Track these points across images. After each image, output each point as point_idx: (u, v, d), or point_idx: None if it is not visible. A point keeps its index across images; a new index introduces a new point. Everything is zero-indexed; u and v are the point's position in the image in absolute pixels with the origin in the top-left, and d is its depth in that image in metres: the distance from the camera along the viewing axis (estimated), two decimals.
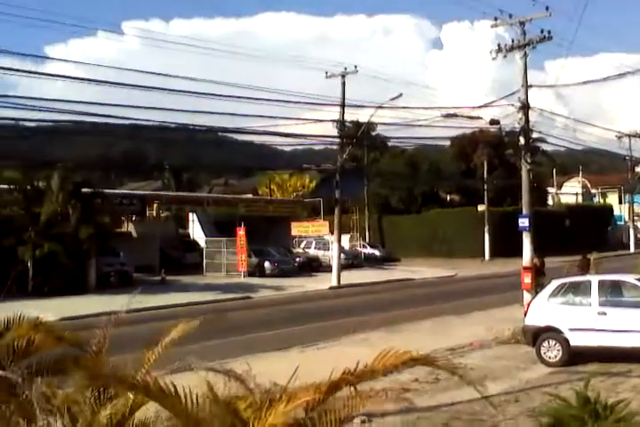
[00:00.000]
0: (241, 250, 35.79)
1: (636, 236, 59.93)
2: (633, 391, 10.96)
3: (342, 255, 36.39)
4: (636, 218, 63.26)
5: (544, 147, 45.77)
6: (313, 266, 40.27)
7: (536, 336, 14.23)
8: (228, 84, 28.85)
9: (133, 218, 42.32)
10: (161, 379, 4.63)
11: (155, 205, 45.03)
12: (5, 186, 30.65)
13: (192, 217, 45.06)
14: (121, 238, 35.65)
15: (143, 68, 26.76)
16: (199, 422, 4.45)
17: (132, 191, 48.89)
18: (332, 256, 35.23)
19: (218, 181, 74.02)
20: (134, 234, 41.36)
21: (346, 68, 33.64)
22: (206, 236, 41.18)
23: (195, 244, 41.77)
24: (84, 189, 30.77)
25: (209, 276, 36.41)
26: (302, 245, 45.31)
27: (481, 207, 52.42)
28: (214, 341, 15.49)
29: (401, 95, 32.28)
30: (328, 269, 36.20)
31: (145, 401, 4.82)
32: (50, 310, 18.99)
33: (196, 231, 44.04)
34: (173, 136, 43.85)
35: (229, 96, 27.69)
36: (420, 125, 32.63)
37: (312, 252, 43.95)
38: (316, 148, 60.26)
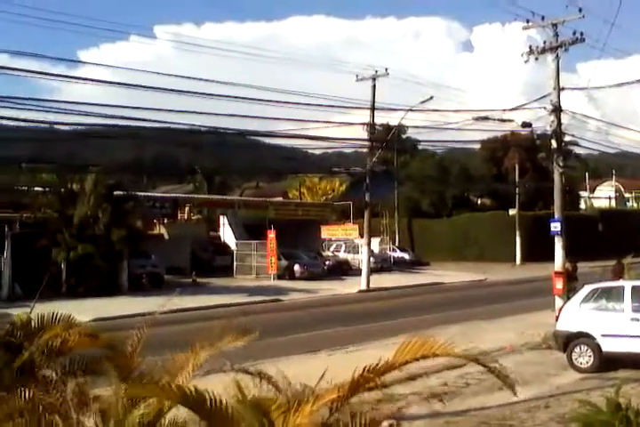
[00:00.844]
0: (271, 253, 35.94)
1: None
2: None
3: (372, 259, 36.34)
4: None
5: (576, 150, 45.19)
6: (342, 269, 40.26)
7: (567, 342, 14.12)
8: (257, 88, 28.88)
9: (165, 221, 42.74)
10: (194, 380, 4.71)
11: (186, 208, 45.44)
12: (40, 188, 31.20)
13: (223, 220, 45.33)
14: (153, 241, 36.00)
15: (174, 72, 27.10)
16: (226, 423, 4.51)
17: (163, 194, 49.32)
18: (362, 260, 35.20)
19: (249, 184, 74.34)
20: (166, 236, 41.75)
21: (376, 71, 33.59)
22: (237, 238, 41.41)
23: (225, 246, 42.05)
24: (117, 192, 31.19)
25: (239, 278, 36.64)
26: (332, 249, 45.36)
27: (512, 211, 52.01)
28: (241, 340, 15.50)
29: (432, 98, 32.17)
30: (357, 272, 36.17)
31: (174, 403, 4.90)
32: (83, 311, 19.20)
33: (226, 234, 44.31)
34: (204, 139, 44.16)
35: (259, 100, 27.86)
36: (450, 128, 32.51)
37: (341, 255, 43.97)
38: (346, 151, 60.43)
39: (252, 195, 61.87)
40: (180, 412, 5.07)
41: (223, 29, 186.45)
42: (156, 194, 48.98)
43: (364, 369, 4.62)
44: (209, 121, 31.67)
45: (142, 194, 38.00)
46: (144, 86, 26.14)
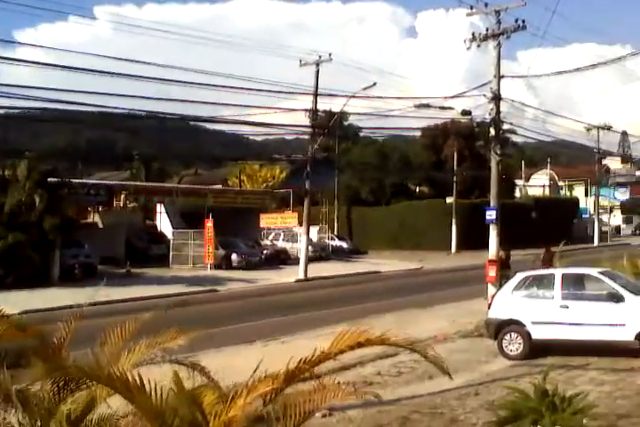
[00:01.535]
0: (208, 242, 35.54)
1: (600, 229, 60.75)
2: (591, 384, 11.12)
3: (310, 248, 36.32)
4: (601, 211, 64.16)
5: (514, 138, 46.11)
6: (281, 258, 40.16)
7: (498, 329, 14.32)
8: (199, 72, 28.37)
9: (100, 209, 41.80)
10: (130, 371, 4.58)
11: (122, 196, 44.49)
12: None
13: (160, 208, 44.62)
14: (86, 229, 35.22)
15: (114, 54, 26.36)
16: (161, 415, 4.42)
17: (99, 181, 48.24)
18: (300, 248, 35.15)
19: (188, 171, 73.38)
20: (100, 225, 40.87)
21: (320, 57, 33.28)
22: (173, 227, 40.82)
23: (161, 235, 41.41)
24: (51, 179, 30.29)
25: (175, 268, 36.14)
26: (270, 237, 45.14)
27: (449, 199, 52.63)
28: (183, 337, 15.30)
29: (374, 84, 32.14)
30: (296, 261, 36.08)
31: (107, 395, 4.77)
32: (11, 302, 18.66)
33: (163, 223, 43.65)
34: (143, 124, 43.26)
35: (201, 84, 27.42)
36: (392, 115, 32.65)
37: (280, 244, 43.80)
38: (288, 138, 60.17)
39: (191, 182, 61.11)
40: (113, 406, 4.96)
41: (165, 11, 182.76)
42: (91, 181, 47.85)
43: (299, 360, 4.58)
44: (149, 105, 31.04)
45: (77, 181, 37.10)
46: (81, 69, 25.44)
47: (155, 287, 27.56)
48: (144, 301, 23.44)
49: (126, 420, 5.19)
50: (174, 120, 33.94)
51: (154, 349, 5.59)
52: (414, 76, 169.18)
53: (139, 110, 28.60)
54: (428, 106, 28.99)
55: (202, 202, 41.18)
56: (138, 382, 4.33)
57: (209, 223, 35.52)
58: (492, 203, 22.01)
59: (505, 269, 20.89)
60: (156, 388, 4.38)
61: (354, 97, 32.45)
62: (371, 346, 4.93)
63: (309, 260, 34.36)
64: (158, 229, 43.74)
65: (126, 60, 26.35)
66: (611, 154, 66.54)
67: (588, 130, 54.97)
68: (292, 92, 31.64)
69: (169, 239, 39.20)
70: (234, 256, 36.64)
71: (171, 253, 37.68)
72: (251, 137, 58.36)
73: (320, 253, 42.67)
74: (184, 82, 26.99)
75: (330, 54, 33.27)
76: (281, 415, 4.51)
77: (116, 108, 27.23)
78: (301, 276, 32.91)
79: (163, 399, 4.48)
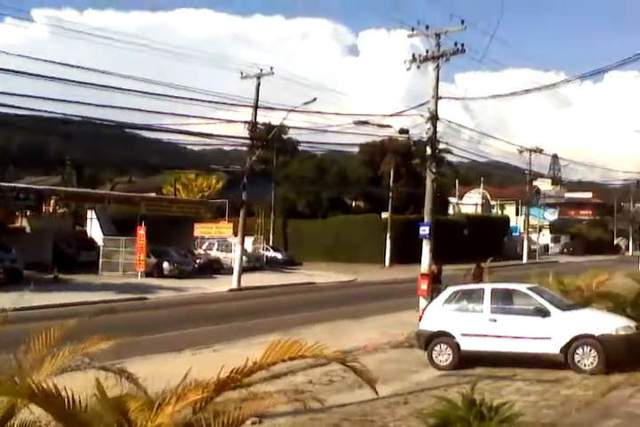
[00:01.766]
0: (140, 249, 34.95)
1: (529, 247, 62.38)
2: (517, 394, 11.33)
3: (244, 258, 36.13)
4: (530, 230, 65.93)
5: (449, 158, 47.05)
6: (214, 268, 39.82)
7: (429, 341, 14.50)
8: (139, 79, 27.98)
9: (28, 213, 40.59)
10: (49, 380, 4.44)
11: (52, 201, 43.32)
12: None
13: (91, 214, 43.63)
14: (14, 234, 34.18)
15: (53, 59, 25.66)
16: (84, 423, 4.30)
17: (28, 185, 46.83)
18: (234, 258, 34.90)
19: (121, 178, 72.07)
20: (28, 230, 39.66)
21: (262, 70, 33.32)
22: (104, 234, 39.92)
23: (91, 242, 40.45)
24: None
25: (105, 275, 35.34)
26: (204, 247, 44.74)
27: (385, 214, 53.26)
28: (106, 342, 14.96)
29: (315, 100, 32.35)
30: (229, 271, 35.82)
31: (29, 402, 4.60)
32: None
33: (93, 229, 42.66)
34: (77, 130, 42.29)
35: (140, 91, 27.04)
36: (331, 131, 32.88)
37: (214, 253, 43.45)
38: (226, 148, 59.75)
39: (125, 189, 59.98)
40: (36, 412, 4.78)
41: (106, 17, 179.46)
42: (21, 185, 46.46)
43: (231, 370, 4.53)
44: (83, 111, 30.26)
45: (5, 184, 36.01)
46: (13, 71, 24.72)
47: (82, 294, 26.78)
48: (71, 307, 22.75)
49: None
50: (110, 127, 33.25)
51: (77, 355, 5.48)
52: (354, 94, 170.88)
53: (73, 115, 27.92)
54: (366, 123, 29.38)
55: (135, 210, 40.48)
56: (48, 391, 4.19)
57: (141, 231, 34.96)
58: (426, 219, 22.38)
59: (436, 283, 21.22)
60: (73, 396, 4.24)
61: (293, 111, 32.62)
62: (302, 359, 4.91)
63: (243, 270, 34.13)
64: (88, 235, 42.72)
65: (63, 64, 25.78)
66: (541, 176, 68.64)
67: (521, 152, 56.70)
68: (233, 104, 31.52)
69: (99, 246, 38.34)
70: (165, 264, 36.12)
71: (100, 260, 36.84)
72: (188, 147, 57.76)
73: (254, 264, 42.53)
74: (122, 89, 26.58)
75: (271, 68, 33.41)
76: (211, 423, 4.46)
77: (50, 112, 26.57)
78: (235, 285, 32.65)
79: (84, 407, 4.36)
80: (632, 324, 13.87)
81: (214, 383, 4.60)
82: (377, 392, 5.99)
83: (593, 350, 13.08)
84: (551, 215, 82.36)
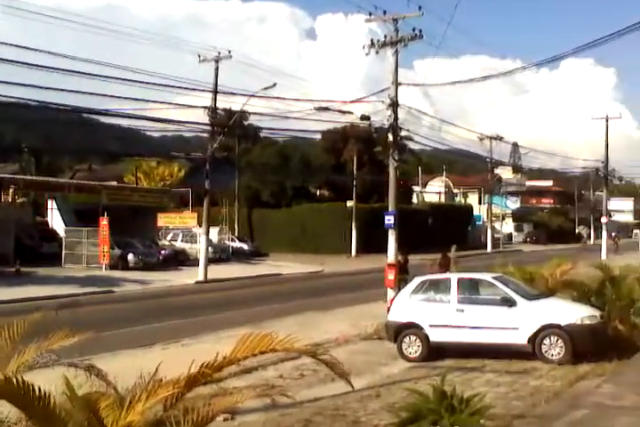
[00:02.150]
0: (103, 241, 34.44)
1: (493, 236, 63.13)
2: (487, 386, 11.46)
3: (210, 249, 35.86)
4: (493, 219, 66.65)
5: (411, 145, 47.12)
6: (179, 259, 39.44)
7: (398, 332, 14.54)
8: (94, 62, 27.33)
9: None
10: (14, 376, 4.33)
11: (10, 190, 42.41)
12: None
13: (51, 204, 42.85)
14: None
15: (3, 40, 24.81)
16: (54, 422, 4.22)
17: None
18: (200, 249, 34.63)
19: (81, 166, 70.87)
20: None
21: (220, 53, 32.81)
22: (66, 225, 39.26)
23: (53, 233, 39.74)
24: None
25: (68, 268, 34.79)
26: (169, 238, 44.26)
27: (349, 203, 53.24)
28: (73, 337, 14.73)
29: (275, 85, 32.07)
30: (195, 262, 35.50)
31: None
32: None
33: (55, 220, 41.94)
34: (33, 116, 41.37)
35: (96, 75, 26.48)
36: (292, 117, 32.68)
37: (179, 244, 43.04)
38: (187, 135, 59.04)
39: (85, 178, 58.94)
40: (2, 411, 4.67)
41: None
42: None
43: (201, 365, 4.47)
44: (39, 95, 29.62)
45: None
46: None
47: (46, 288, 26.36)
48: (34, 301, 22.39)
49: (20, 426, 4.94)
50: (67, 112, 32.54)
51: (44, 351, 5.36)
52: (314, 79, 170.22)
53: (28, 100, 27.21)
54: (327, 109, 29.29)
55: (96, 199, 39.80)
56: (22, 386, 4.10)
57: (104, 222, 34.43)
58: (391, 208, 22.37)
59: (403, 274, 21.30)
60: (46, 393, 4.15)
61: (254, 96, 32.28)
62: (273, 353, 4.86)
63: (209, 261, 33.88)
64: (50, 226, 41.98)
65: (17, 46, 25.03)
66: (502, 164, 69.28)
67: (481, 140, 57.00)
68: (192, 89, 31.03)
69: (61, 237, 37.70)
70: (130, 256, 35.67)
71: (63, 252, 36.25)
72: (148, 133, 56.87)
73: (220, 255, 42.27)
74: (79, 72, 25.94)
75: (229, 51, 32.94)
76: (182, 420, 4.41)
77: (5, 96, 25.88)
78: (201, 277, 32.39)
79: (56, 404, 4.28)
80: (597, 313, 14.11)
81: (185, 379, 4.55)
82: (352, 386, 5.97)
83: (560, 340, 13.26)
84: (513, 204, 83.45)
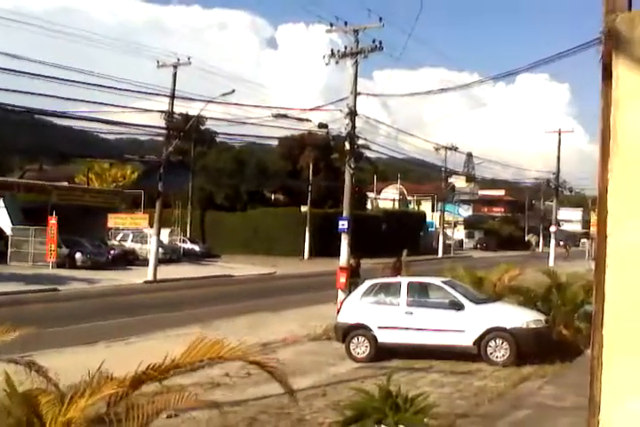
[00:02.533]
0: (51, 240, 33.84)
1: (444, 242, 63.88)
2: (432, 386, 11.54)
3: (160, 249, 35.50)
4: (445, 225, 67.47)
5: (367, 153, 47.48)
6: (129, 259, 38.95)
7: (346, 333, 14.61)
8: (50, 65, 26.91)
9: None
10: None
11: None
12: None
13: None
14: None
15: None
16: None
17: None
18: (150, 250, 34.23)
19: (31, 166, 69.47)
20: None
21: (179, 59, 32.96)
22: (13, 223, 38.45)
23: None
24: None
25: (14, 266, 34.07)
26: (118, 238, 43.72)
27: (304, 208, 53.42)
28: (13, 333, 14.38)
29: (233, 91, 32.13)
30: (145, 262, 35.11)
31: None
32: None
33: (1, 218, 40.95)
34: None
35: (51, 77, 26.01)
36: (250, 123, 32.62)
37: (129, 244, 42.52)
38: (142, 138, 58.43)
39: (35, 178, 57.75)
40: None
41: None
42: None
43: (147, 367, 4.42)
44: None
45: None
46: None
47: None
48: None
49: None
50: (19, 113, 31.83)
51: None
52: (273, 87, 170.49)
53: None
54: (285, 116, 29.33)
55: (45, 199, 39.06)
56: None
57: (52, 220, 33.86)
58: (345, 213, 22.58)
59: (355, 277, 21.43)
60: None
61: (211, 102, 32.18)
62: (222, 360, 4.83)
63: (159, 262, 33.55)
64: None
65: None
66: (456, 173, 70.26)
67: (437, 149, 57.79)
68: (149, 93, 30.80)
69: (7, 235, 36.89)
70: (78, 255, 35.13)
71: (9, 250, 35.47)
72: (102, 135, 56.07)
73: (171, 256, 41.92)
74: (34, 74, 25.49)
75: (189, 58, 33.15)
76: (123, 418, 4.33)
77: None
78: (150, 277, 32.00)
79: None
80: (542, 317, 14.38)
81: (130, 379, 4.49)
82: (295, 398, 5.92)
83: (505, 343, 13.48)
84: (465, 211, 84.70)
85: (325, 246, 43.24)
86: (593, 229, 52.11)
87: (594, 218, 50.61)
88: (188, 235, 51.30)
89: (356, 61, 22.25)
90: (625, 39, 3.33)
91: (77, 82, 26.78)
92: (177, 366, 4.59)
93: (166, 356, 4.47)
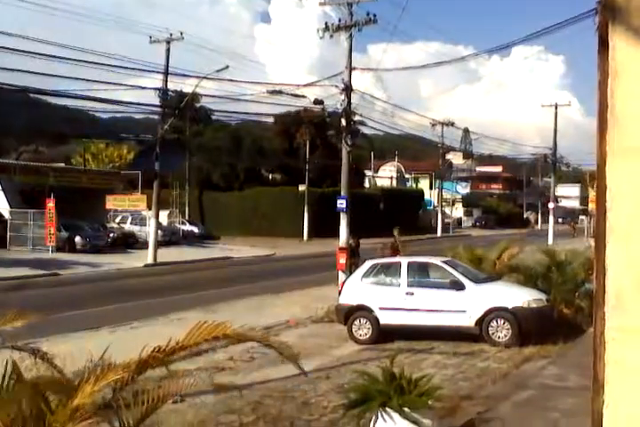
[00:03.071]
0: (49, 223, 33.77)
1: (443, 220, 63.88)
2: (435, 367, 11.61)
3: (160, 232, 35.46)
4: (444, 203, 67.44)
5: (364, 130, 47.27)
6: (128, 242, 38.93)
7: (348, 315, 14.62)
8: (43, 42, 26.66)
9: None
10: None
11: None
12: None
13: None
14: None
15: None
16: (2, 404, 4.11)
17: None
18: (149, 232, 34.19)
19: (27, 147, 69.10)
20: None
21: (171, 35, 32.58)
22: (11, 206, 38.32)
23: None
24: None
25: (13, 250, 34.09)
26: (117, 220, 43.61)
27: (302, 187, 53.23)
28: (22, 319, 14.40)
29: (227, 67, 31.90)
30: (144, 245, 35.14)
31: None
32: None
33: None
34: None
35: (43, 54, 25.78)
36: (245, 100, 32.40)
37: (128, 227, 42.43)
38: (137, 117, 58.03)
39: (31, 159, 57.47)
40: None
41: None
42: None
43: (153, 349, 4.41)
44: None
45: None
46: None
47: None
48: None
49: None
50: (11, 91, 31.56)
51: None
52: (268, 63, 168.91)
53: None
54: (280, 92, 29.09)
55: (43, 181, 38.90)
56: None
57: (50, 204, 33.72)
58: (343, 192, 22.45)
59: (355, 257, 21.38)
60: None
61: (206, 78, 31.88)
62: (227, 340, 4.83)
63: (159, 244, 33.55)
64: None
65: None
66: (453, 149, 70.02)
67: (433, 125, 57.47)
68: (142, 70, 30.51)
69: (6, 219, 36.79)
70: (77, 239, 35.09)
71: (8, 235, 35.42)
72: (97, 114, 55.75)
73: (170, 238, 41.84)
74: (26, 51, 25.21)
75: (181, 33, 32.75)
76: (131, 402, 4.33)
77: None
78: (150, 260, 32.03)
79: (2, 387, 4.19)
80: (543, 297, 14.41)
81: (135, 363, 4.48)
82: (305, 373, 5.95)
83: (506, 323, 13.51)
84: (463, 189, 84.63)
85: (324, 226, 43.16)
86: (591, 206, 52.09)
87: (592, 194, 50.54)
88: (186, 216, 51.17)
89: (351, 35, 21.95)
90: (621, 9, 3.28)
91: (70, 59, 26.49)
92: (182, 347, 4.57)
93: (170, 338, 4.46)
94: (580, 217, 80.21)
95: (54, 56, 26.03)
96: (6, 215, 37.39)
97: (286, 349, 5.11)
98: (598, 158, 3.37)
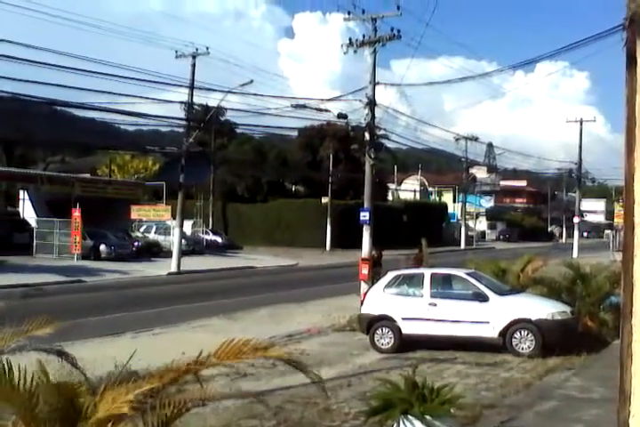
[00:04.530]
0: (75, 231, 34.17)
1: (467, 233, 63.57)
2: (457, 377, 11.54)
3: (183, 241, 35.71)
4: (467, 217, 67.13)
5: (387, 144, 47.35)
6: (152, 251, 39.23)
7: (370, 324, 14.64)
8: (69, 55, 27.07)
9: None
10: None
11: None
12: None
13: (23, 195, 42.32)
14: None
15: None
16: (28, 406, 4.18)
17: None
18: (173, 242, 34.44)
19: (54, 158, 70.02)
20: None
21: (197, 49, 32.92)
22: (38, 215, 38.88)
23: (25, 223, 39.26)
24: None
25: (39, 257, 34.47)
26: (142, 230, 44.01)
27: (325, 199, 53.39)
28: (52, 325, 14.56)
29: (252, 82, 32.24)
30: (168, 254, 35.37)
31: None
32: None
33: (26, 210, 41.40)
34: (4, 107, 40.87)
35: (70, 68, 26.20)
36: (269, 114, 32.65)
37: (152, 236, 42.79)
38: (163, 130, 58.65)
39: (58, 170, 58.28)
40: None
41: None
42: None
43: (189, 363, 4.49)
44: (10, 87, 29.11)
45: None
46: None
47: (17, 276, 26.08)
48: (5, 289, 22.14)
49: None
50: (39, 104, 32.10)
51: (20, 337, 5.30)
52: (292, 77, 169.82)
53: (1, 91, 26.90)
54: (304, 106, 29.30)
55: (69, 191, 39.46)
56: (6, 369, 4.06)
57: (76, 213, 34.15)
58: (366, 204, 22.51)
59: (377, 268, 21.39)
60: (24, 376, 4.12)
61: (231, 92, 32.24)
62: (255, 357, 4.89)
63: (183, 253, 33.77)
64: (21, 216, 41.47)
65: None
66: (477, 163, 69.81)
67: (457, 140, 57.40)
68: (167, 84, 30.94)
69: (33, 228, 37.30)
70: (102, 247, 35.43)
71: (35, 242, 35.88)
72: (123, 127, 56.33)
73: (194, 247, 42.07)
74: (54, 65, 25.65)
75: (207, 48, 33.01)
76: (158, 406, 4.39)
77: None
78: (174, 269, 32.23)
79: (31, 392, 4.24)
80: (567, 309, 14.30)
81: (169, 373, 4.56)
82: (326, 392, 5.87)
83: (530, 334, 13.43)
84: (487, 203, 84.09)
85: (347, 238, 43.21)
86: (617, 220, 51.54)
87: (618, 209, 50.04)
88: (210, 226, 51.49)
89: (375, 50, 22.03)
90: None
91: (97, 73, 26.90)
92: (214, 363, 4.66)
93: (202, 351, 4.52)
94: (606, 231, 79.43)
95: (84, 70, 26.46)
96: (33, 224, 37.93)
97: (307, 370, 5.14)
98: (626, 173, 3.37)
